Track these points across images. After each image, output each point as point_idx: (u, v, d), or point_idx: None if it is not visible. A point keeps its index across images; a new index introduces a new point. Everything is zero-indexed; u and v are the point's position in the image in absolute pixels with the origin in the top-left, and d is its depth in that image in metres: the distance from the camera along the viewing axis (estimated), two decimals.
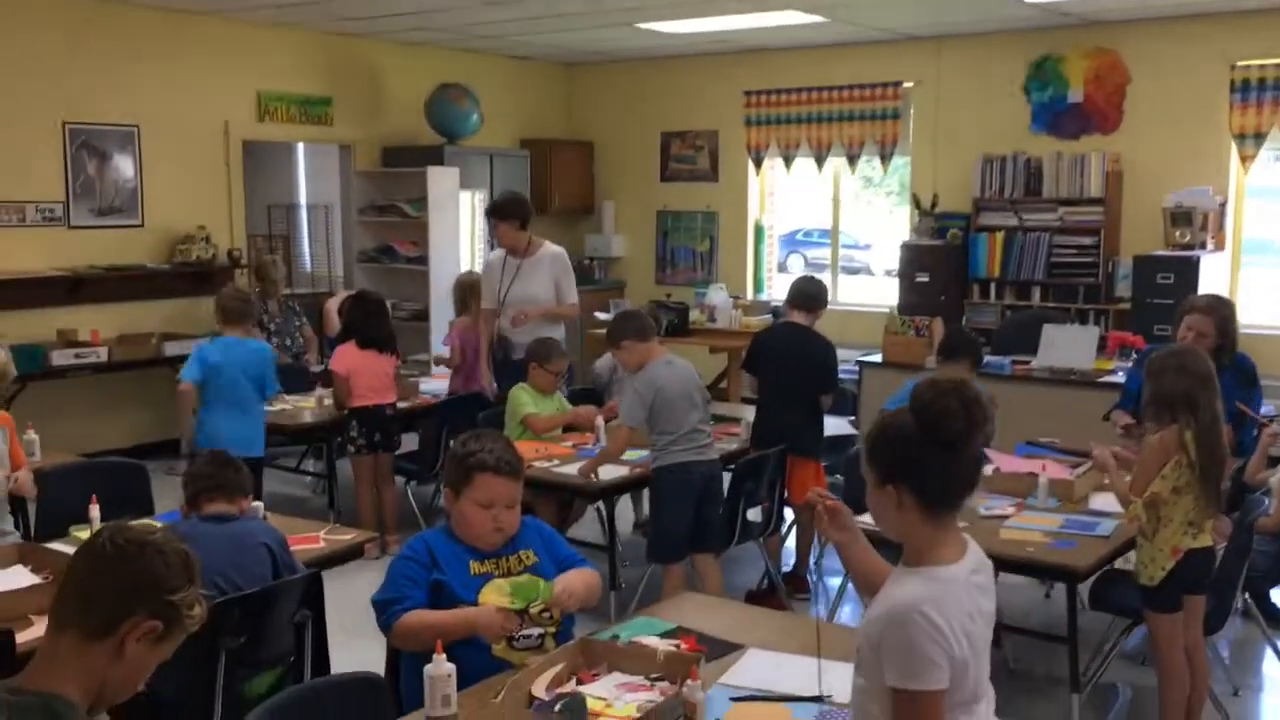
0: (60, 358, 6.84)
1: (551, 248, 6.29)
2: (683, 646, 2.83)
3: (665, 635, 2.94)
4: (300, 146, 10.04)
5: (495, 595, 2.85)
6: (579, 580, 2.94)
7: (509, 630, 2.79)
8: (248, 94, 8.51)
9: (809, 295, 5.38)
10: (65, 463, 4.51)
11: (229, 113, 8.38)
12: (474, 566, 2.89)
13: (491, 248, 7.09)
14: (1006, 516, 4.13)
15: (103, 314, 7.62)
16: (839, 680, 2.44)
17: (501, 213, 6.28)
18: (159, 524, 3.24)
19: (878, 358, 7.58)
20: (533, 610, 2.87)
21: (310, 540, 3.78)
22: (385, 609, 2.81)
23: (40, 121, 7.37)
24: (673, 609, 3.23)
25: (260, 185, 10.05)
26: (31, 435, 4.82)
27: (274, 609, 3.15)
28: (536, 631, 2.86)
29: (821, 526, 2.33)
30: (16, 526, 4.17)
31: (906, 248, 8.91)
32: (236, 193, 8.56)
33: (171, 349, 7.54)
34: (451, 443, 2.99)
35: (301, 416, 6.32)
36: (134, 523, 1.86)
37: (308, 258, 10.38)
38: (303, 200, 10.33)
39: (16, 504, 4.11)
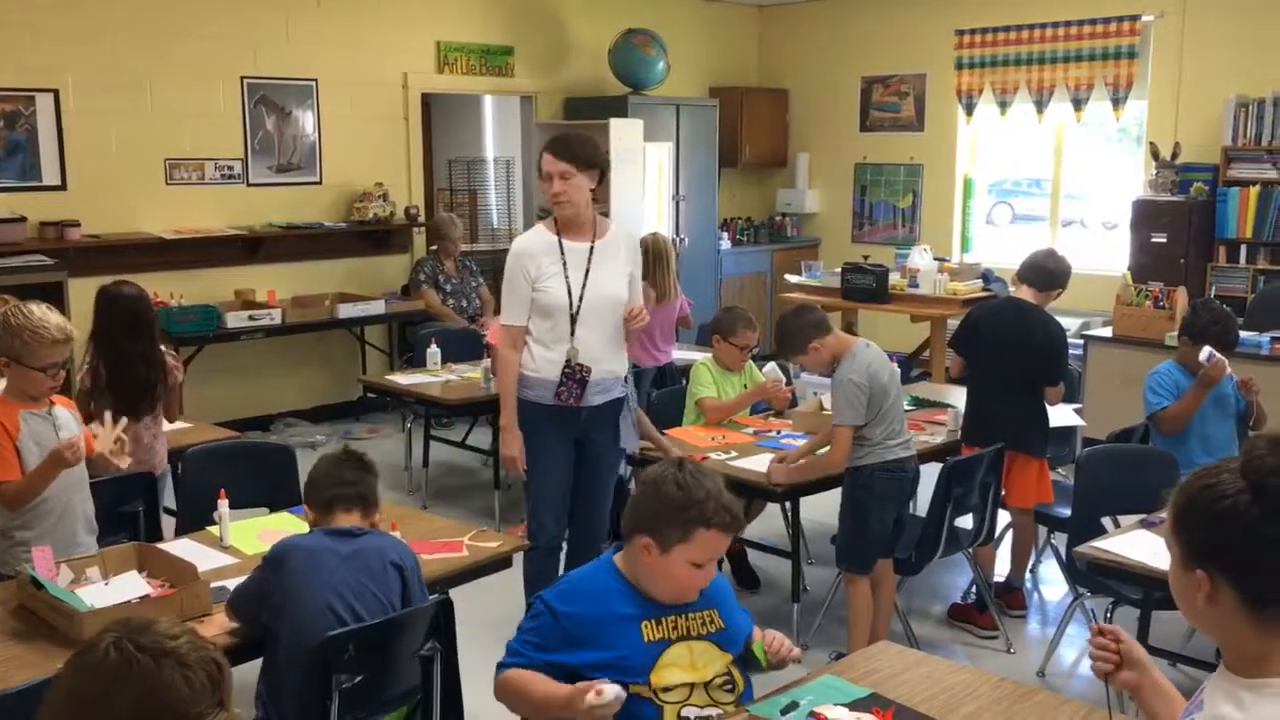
0: (235, 320, 6.71)
1: (620, 226, 4.14)
2: None
3: (855, 705, 2.37)
4: (487, 99, 9.73)
5: (678, 670, 2.35)
6: (786, 642, 2.49)
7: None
8: (426, 44, 8.20)
9: (1046, 272, 4.57)
10: (206, 443, 4.22)
11: (408, 64, 8.09)
12: (647, 630, 2.37)
13: (540, 217, 4.90)
14: None
15: (279, 274, 7.46)
16: None
17: (577, 156, 3.83)
18: (171, 628, 2.85)
19: (1104, 331, 6.71)
20: (715, 681, 2.38)
21: (452, 548, 3.35)
22: (509, 653, 2.38)
23: (219, 76, 7.21)
24: (865, 664, 2.64)
25: (445, 139, 9.82)
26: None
27: (397, 642, 2.72)
28: (715, 712, 2.35)
29: (1116, 681, 1.82)
30: (155, 512, 3.90)
31: (1140, 204, 7.90)
32: (415, 147, 8.29)
33: (345, 311, 7.30)
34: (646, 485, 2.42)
35: (468, 387, 5.92)
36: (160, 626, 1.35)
37: (494, 213, 10.11)
38: (489, 154, 10.05)
39: (142, 487, 3.76)
